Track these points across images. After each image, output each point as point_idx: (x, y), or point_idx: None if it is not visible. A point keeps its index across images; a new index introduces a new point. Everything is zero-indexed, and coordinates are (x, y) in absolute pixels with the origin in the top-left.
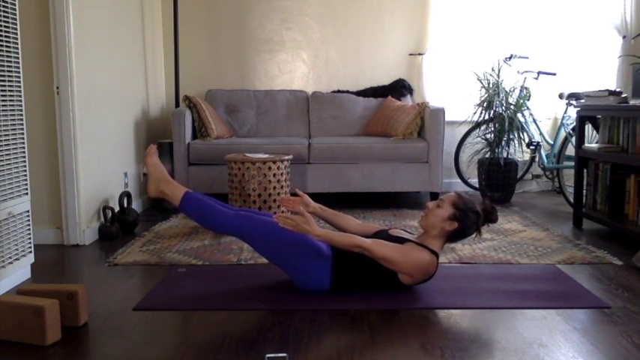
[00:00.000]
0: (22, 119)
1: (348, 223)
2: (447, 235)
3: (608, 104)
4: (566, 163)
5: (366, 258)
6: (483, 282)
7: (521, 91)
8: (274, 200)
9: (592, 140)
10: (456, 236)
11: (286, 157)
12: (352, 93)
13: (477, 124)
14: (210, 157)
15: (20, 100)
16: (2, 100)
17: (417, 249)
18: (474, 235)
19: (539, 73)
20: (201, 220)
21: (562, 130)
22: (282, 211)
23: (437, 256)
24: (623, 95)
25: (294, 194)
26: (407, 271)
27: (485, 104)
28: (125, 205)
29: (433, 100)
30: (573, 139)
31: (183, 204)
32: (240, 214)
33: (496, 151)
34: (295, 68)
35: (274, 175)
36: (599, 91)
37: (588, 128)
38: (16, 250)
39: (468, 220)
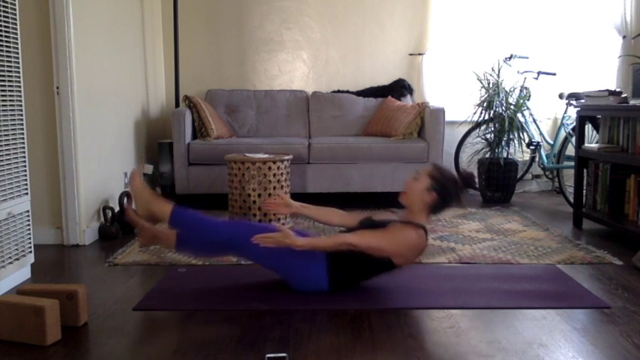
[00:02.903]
0: (22, 119)
1: (332, 217)
2: (429, 206)
3: (608, 104)
4: (566, 163)
5: (357, 252)
6: (483, 282)
7: (521, 91)
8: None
9: (592, 140)
10: (438, 207)
11: (286, 157)
12: (352, 93)
13: (477, 124)
14: (210, 157)
15: (20, 100)
16: (2, 100)
17: (402, 228)
18: (455, 205)
19: (539, 73)
20: (194, 233)
21: (562, 130)
22: (270, 220)
23: (424, 229)
24: (623, 95)
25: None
26: (397, 253)
27: (485, 104)
28: (125, 205)
29: (433, 100)
30: (573, 139)
31: (172, 219)
32: (233, 221)
33: (496, 151)
34: (295, 68)
35: (274, 175)
36: (599, 91)
37: (588, 128)
38: (16, 250)
39: (446, 190)
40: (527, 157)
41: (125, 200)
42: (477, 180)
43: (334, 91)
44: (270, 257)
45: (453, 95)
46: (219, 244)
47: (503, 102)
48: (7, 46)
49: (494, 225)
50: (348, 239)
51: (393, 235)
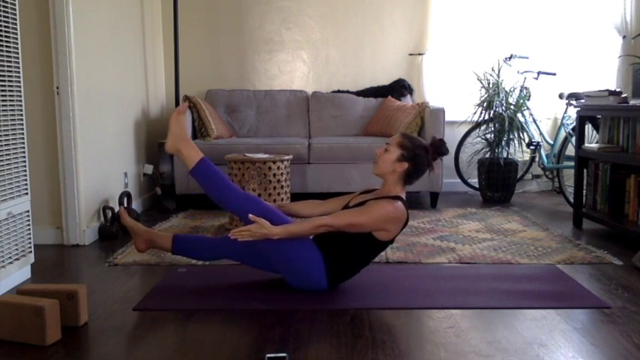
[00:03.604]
0: (22, 119)
1: (312, 209)
2: (402, 177)
3: (608, 104)
4: (566, 163)
5: (344, 239)
6: (483, 282)
7: (521, 91)
8: (274, 200)
9: (592, 140)
10: (411, 176)
11: (286, 157)
12: (352, 93)
13: (477, 124)
14: (210, 157)
15: (20, 100)
16: (2, 100)
17: (376, 203)
18: (427, 173)
19: (539, 73)
20: (210, 190)
21: (562, 130)
22: None
23: (400, 199)
24: (623, 95)
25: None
26: (377, 227)
27: (485, 104)
28: (125, 205)
29: (433, 100)
30: (573, 139)
31: (197, 169)
32: (249, 196)
33: (496, 151)
34: (295, 68)
35: (274, 175)
36: (599, 91)
37: (588, 128)
38: (16, 250)
39: (417, 158)
40: (527, 157)
41: (125, 200)
42: (447, 147)
43: (334, 91)
44: (269, 258)
45: (453, 95)
46: (216, 248)
47: (503, 102)
48: (7, 46)
49: (494, 225)
50: (325, 221)
51: (368, 210)
